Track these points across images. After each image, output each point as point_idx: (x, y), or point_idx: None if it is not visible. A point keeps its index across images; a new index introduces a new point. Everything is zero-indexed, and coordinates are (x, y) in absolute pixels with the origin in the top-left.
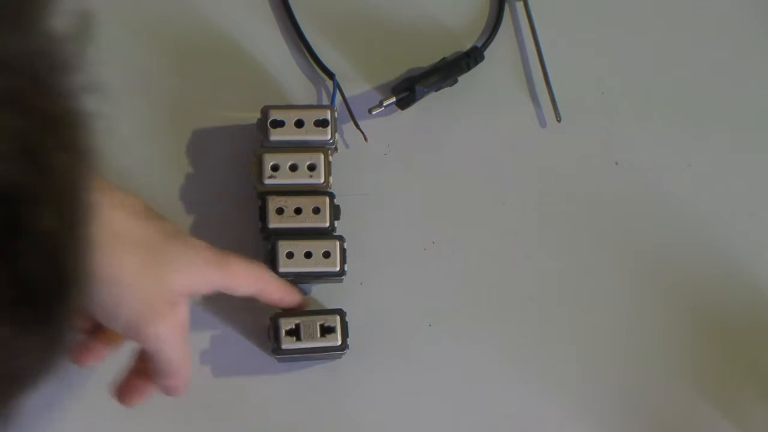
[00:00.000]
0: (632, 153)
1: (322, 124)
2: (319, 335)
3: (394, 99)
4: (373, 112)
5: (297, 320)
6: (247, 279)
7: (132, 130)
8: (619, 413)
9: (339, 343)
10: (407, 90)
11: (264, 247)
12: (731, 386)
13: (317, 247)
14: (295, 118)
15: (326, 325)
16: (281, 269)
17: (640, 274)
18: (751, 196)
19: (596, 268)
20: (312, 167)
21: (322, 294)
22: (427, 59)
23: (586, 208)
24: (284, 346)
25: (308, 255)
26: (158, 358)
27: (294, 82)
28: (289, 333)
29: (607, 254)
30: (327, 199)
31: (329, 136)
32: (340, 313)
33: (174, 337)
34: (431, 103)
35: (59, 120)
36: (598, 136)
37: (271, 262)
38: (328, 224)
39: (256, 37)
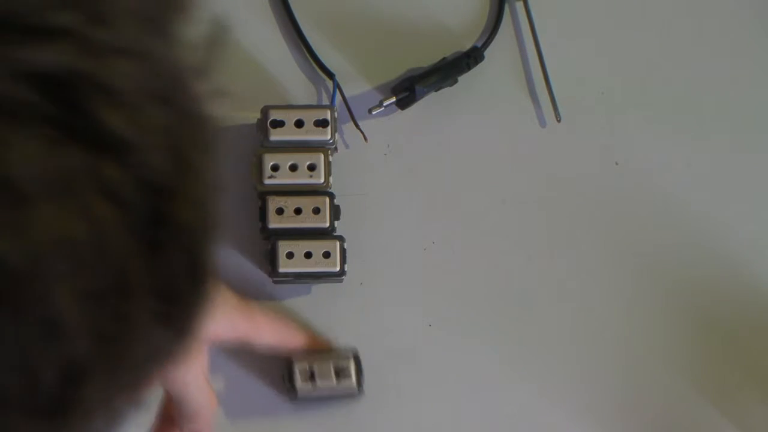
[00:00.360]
0: (632, 153)
1: (322, 124)
2: (335, 380)
3: (394, 99)
4: (373, 112)
5: (311, 364)
6: (271, 330)
7: None
8: (619, 413)
9: (354, 385)
10: (407, 90)
11: (264, 247)
12: (731, 386)
13: (317, 247)
14: (295, 118)
15: (340, 366)
16: (281, 269)
17: (640, 274)
18: (751, 196)
19: (596, 268)
20: (312, 167)
21: (322, 294)
22: (427, 59)
23: (586, 208)
24: (300, 394)
25: (308, 255)
26: (185, 401)
27: (294, 82)
28: (304, 377)
29: (607, 254)
30: (327, 199)
31: (329, 136)
32: (354, 353)
33: (200, 380)
34: (431, 103)
35: (197, 121)
36: (598, 136)
37: (271, 262)
38: (328, 224)
39: (256, 37)
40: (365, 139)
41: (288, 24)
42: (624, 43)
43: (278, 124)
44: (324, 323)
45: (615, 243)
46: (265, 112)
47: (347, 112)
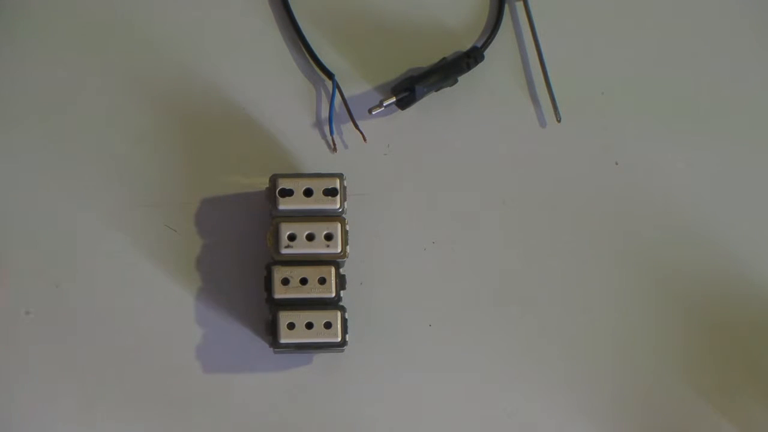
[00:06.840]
0: (632, 153)
1: (331, 193)
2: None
3: (394, 99)
4: (373, 112)
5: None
6: None
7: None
8: (618, 413)
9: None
10: (407, 90)
11: (266, 317)
12: (731, 386)
13: (318, 317)
14: (304, 187)
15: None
16: (282, 340)
17: (640, 274)
18: (751, 196)
19: (596, 268)
20: (329, 237)
21: None
22: (427, 59)
23: (586, 208)
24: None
25: (309, 326)
26: None
27: (294, 82)
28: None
29: (606, 254)
30: (333, 269)
31: (338, 205)
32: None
33: None
34: (431, 103)
35: None
36: (598, 136)
37: (273, 333)
38: (333, 294)
39: (256, 38)
40: (364, 139)
41: (288, 24)
42: (624, 43)
43: (287, 193)
44: None
45: (614, 242)
46: (273, 181)
47: (347, 113)
